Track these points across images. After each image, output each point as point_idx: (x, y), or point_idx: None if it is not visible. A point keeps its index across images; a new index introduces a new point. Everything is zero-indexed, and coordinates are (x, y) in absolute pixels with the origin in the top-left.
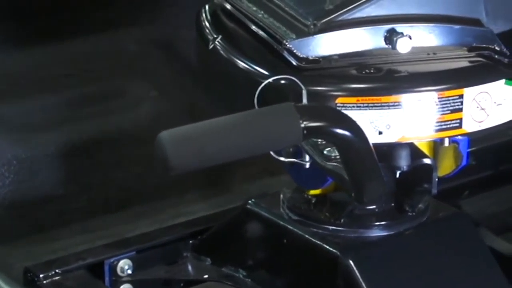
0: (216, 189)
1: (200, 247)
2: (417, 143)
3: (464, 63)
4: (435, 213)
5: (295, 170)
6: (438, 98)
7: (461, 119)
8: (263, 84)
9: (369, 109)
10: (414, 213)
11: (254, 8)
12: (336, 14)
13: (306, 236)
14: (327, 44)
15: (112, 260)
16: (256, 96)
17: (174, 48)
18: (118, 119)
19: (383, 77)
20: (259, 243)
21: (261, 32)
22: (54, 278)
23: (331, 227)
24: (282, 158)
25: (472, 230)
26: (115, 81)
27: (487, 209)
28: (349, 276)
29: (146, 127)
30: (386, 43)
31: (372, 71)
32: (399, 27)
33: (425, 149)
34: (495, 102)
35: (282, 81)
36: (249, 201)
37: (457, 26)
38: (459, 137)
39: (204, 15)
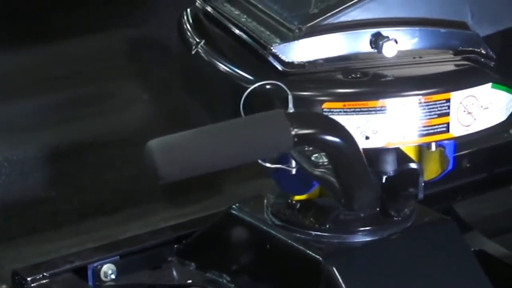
0: (210, 191)
1: (185, 252)
2: (402, 148)
3: (450, 67)
4: (419, 218)
5: (280, 176)
6: (425, 102)
7: (448, 123)
8: (249, 90)
9: (356, 114)
10: (399, 218)
11: (237, 12)
12: (321, 18)
13: (289, 241)
14: (313, 49)
15: (95, 264)
16: (241, 101)
17: (168, 49)
18: (110, 120)
19: (369, 82)
20: (243, 248)
21: (244, 37)
22: (41, 282)
23: (314, 233)
24: (268, 164)
25: (457, 235)
26: (107, 82)
27: (481, 212)
28: (332, 282)
29: (138, 128)
30: (372, 47)
31: (358, 75)
32: (385, 31)
33: (411, 153)
34: (482, 106)
35: (268, 86)
36: (233, 206)
37: (443, 30)
38: (446, 141)
39: (185, 18)
